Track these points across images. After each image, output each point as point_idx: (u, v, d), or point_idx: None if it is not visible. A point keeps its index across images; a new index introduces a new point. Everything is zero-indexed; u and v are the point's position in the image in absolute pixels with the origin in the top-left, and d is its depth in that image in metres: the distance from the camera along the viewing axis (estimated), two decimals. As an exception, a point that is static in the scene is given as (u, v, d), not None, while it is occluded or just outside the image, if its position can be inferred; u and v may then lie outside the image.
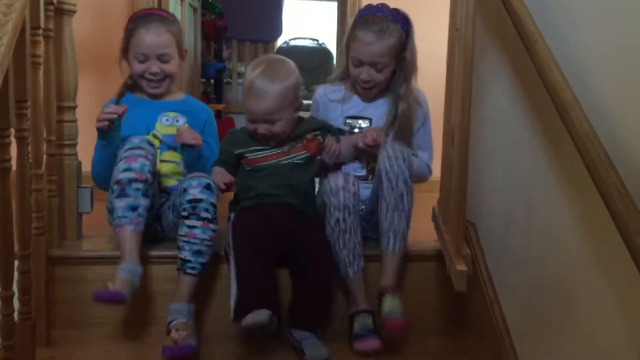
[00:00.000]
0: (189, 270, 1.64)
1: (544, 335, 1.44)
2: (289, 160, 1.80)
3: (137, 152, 1.65)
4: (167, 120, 1.90)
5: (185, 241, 1.64)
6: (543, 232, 1.46)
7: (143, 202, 1.64)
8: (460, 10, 1.49)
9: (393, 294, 1.66)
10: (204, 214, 1.63)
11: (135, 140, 1.68)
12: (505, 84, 1.67)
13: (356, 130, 1.94)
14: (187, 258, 1.63)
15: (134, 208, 1.63)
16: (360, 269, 1.71)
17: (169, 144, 1.88)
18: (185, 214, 1.64)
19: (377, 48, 1.82)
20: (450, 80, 1.63)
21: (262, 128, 1.76)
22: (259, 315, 1.48)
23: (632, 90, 1.14)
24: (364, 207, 1.86)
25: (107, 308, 1.66)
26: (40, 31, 1.59)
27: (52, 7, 1.66)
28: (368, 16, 1.86)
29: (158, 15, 1.90)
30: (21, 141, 1.49)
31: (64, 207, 1.80)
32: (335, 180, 1.69)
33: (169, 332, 1.59)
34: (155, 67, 1.84)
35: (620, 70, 1.18)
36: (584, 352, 1.27)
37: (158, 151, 1.84)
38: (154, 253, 1.75)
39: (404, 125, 1.89)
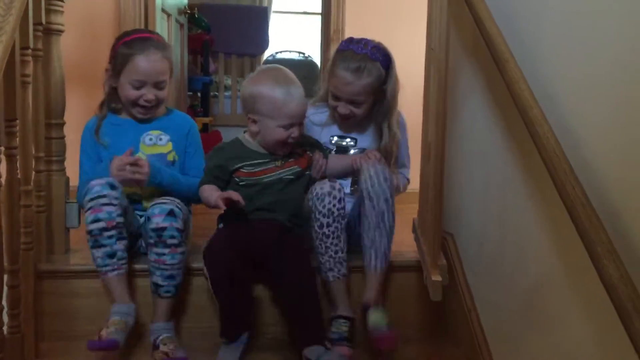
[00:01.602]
0: (163, 294, 1.69)
1: (518, 342, 1.50)
2: (281, 175, 1.82)
3: (101, 201, 1.64)
4: (151, 139, 1.88)
5: (155, 267, 1.67)
6: (515, 242, 1.52)
7: (119, 246, 1.67)
8: (434, 30, 1.55)
9: (377, 307, 1.70)
10: (170, 241, 1.66)
11: (96, 188, 1.65)
12: (480, 100, 1.73)
13: (344, 146, 1.99)
14: (160, 283, 1.68)
15: (111, 255, 1.65)
16: (342, 275, 1.74)
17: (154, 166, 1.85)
18: (152, 241, 1.67)
19: (355, 88, 1.87)
20: (427, 98, 1.69)
21: (296, 131, 1.77)
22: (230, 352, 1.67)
23: (596, 109, 1.20)
24: (349, 220, 1.91)
25: (96, 322, 1.70)
26: (29, 51, 1.64)
27: (40, 28, 1.70)
28: (348, 52, 1.88)
29: (154, 41, 1.86)
30: (10, 158, 1.54)
31: (52, 222, 1.83)
32: (322, 186, 1.73)
33: (156, 347, 1.63)
34: (150, 94, 1.82)
35: (585, 90, 1.25)
36: (553, 358, 1.33)
37: None
38: (138, 267, 1.79)
39: (388, 156, 1.93)
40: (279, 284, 1.74)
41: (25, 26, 1.59)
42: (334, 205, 1.71)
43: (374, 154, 1.80)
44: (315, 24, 5.92)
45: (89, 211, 1.64)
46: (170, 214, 1.66)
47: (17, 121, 1.55)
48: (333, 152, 1.97)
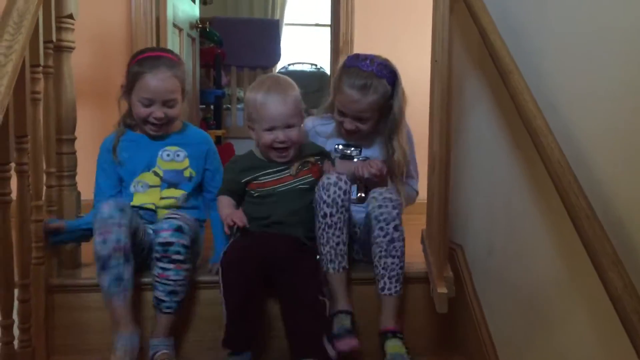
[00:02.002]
0: (165, 310, 1.69)
1: (527, 353, 1.49)
2: (296, 185, 1.82)
3: (110, 222, 1.63)
4: (168, 155, 1.90)
5: (158, 282, 1.68)
6: (522, 253, 1.51)
7: (126, 270, 1.65)
8: (438, 43, 1.56)
9: (394, 336, 1.70)
10: (175, 257, 1.67)
11: (105, 212, 1.64)
12: (486, 111, 1.73)
13: (348, 154, 1.99)
14: (162, 298, 1.68)
15: (119, 279, 1.64)
16: (342, 268, 1.74)
17: (169, 181, 1.89)
18: (157, 255, 1.68)
19: (361, 105, 1.86)
20: (432, 109, 1.69)
21: (282, 135, 1.76)
22: None
23: (601, 119, 1.20)
24: (357, 230, 1.92)
25: (105, 336, 1.72)
26: (40, 68, 1.67)
27: (51, 45, 1.74)
28: (354, 69, 1.87)
29: (165, 59, 1.85)
30: (21, 174, 1.56)
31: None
32: (328, 177, 1.73)
33: None
34: (160, 112, 1.82)
35: (590, 100, 1.24)
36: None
37: (158, 190, 1.87)
38: (146, 280, 1.79)
39: (398, 171, 1.94)
40: (288, 298, 1.72)
41: (35, 44, 1.62)
42: (339, 196, 1.71)
43: (375, 164, 1.81)
44: (327, 36, 5.97)
45: (97, 234, 1.64)
46: (178, 229, 1.67)
47: (28, 137, 1.58)
48: (338, 158, 1.97)
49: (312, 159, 1.87)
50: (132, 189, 1.87)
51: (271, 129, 1.77)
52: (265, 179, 1.82)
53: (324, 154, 1.93)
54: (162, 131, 1.89)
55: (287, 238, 1.75)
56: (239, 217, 1.72)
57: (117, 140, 1.90)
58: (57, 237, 1.73)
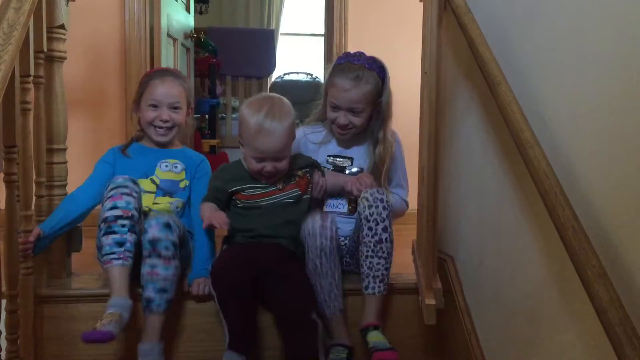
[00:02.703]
0: (154, 309, 1.68)
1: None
2: (282, 199, 1.83)
3: (122, 190, 1.70)
4: (167, 166, 1.97)
5: (148, 280, 1.68)
6: (512, 263, 1.52)
7: (129, 238, 1.68)
8: (427, 54, 1.57)
9: (375, 328, 1.71)
10: (164, 252, 1.67)
11: (120, 180, 1.73)
12: (476, 121, 1.74)
13: (340, 165, 2.00)
14: (151, 297, 1.67)
15: (120, 244, 1.66)
16: (338, 311, 1.75)
17: (164, 190, 1.94)
18: (146, 253, 1.68)
19: (354, 95, 1.88)
20: (422, 120, 1.70)
21: (269, 166, 1.77)
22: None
23: (588, 131, 1.21)
24: (346, 242, 1.92)
25: (95, 346, 1.70)
26: (31, 78, 1.66)
27: (42, 55, 1.73)
28: (345, 64, 1.92)
29: (172, 71, 2.07)
30: (10, 184, 1.56)
31: (53, 246, 1.83)
32: (313, 223, 1.73)
33: None
34: (165, 114, 1.93)
35: (578, 112, 1.25)
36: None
37: (153, 195, 1.91)
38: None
39: (380, 165, 1.95)
40: (277, 304, 1.73)
41: (26, 54, 1.61)
42: (326, 246, 1.71)
43: (364, 182, 1.81)
44: (322, 46, 5.99)
45: (108, 199, 1.68)
46: (167, 226, 1.69)
47: (17, 148, 1.57)
48: (329, 171, 1.98)
49: (299, 173, 1.87)
50: None
51: (261, 160, 1.77)
52: (252, 191, 1.82)
53: (314, 166, 1.93)
54: (168, 137, 1.97)
55: (273, 246, 1.76)
56: (220, 219, 1.70)
57: (125, 149, 1.98)
58: (39, 246, 1.71)
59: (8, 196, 1.55)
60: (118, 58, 2.96)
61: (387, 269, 1.75)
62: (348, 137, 1.98)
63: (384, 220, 1.73)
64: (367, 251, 1.74)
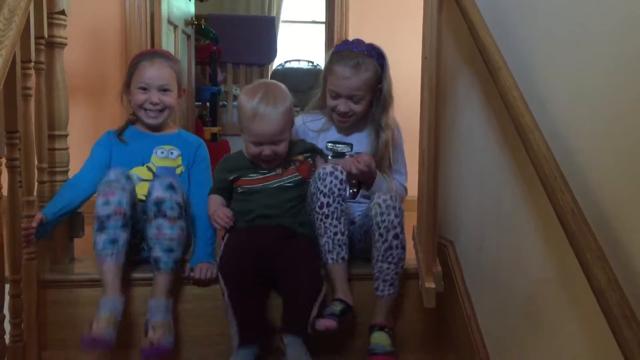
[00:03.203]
0: (162, 268, 1.69)
1: (517, 348, 1.50)
2: (281, 183, 1.85)
3: (114, 185, 1.68)
4: (162, 152, 1.96)
5: (155, 241, 1.69)
6: (512, 248, 1.52)
7: (122, 235, 1.67)
8: (427, 40, 1.56)
9: (382, 329, 1.73)
10: (169, 212, 1.68)
11: (112, 175, 1.71)
12: (477, 107, 1.73)
13: (340, 152, 2.00)
14: (158, 256, 1.69)
15: (114, 241, 1.66)
16: (341, 259, 1.75)
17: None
18: (151, 214, 1.69)
19: (354, 82, 1.89)
20: (423, 106, 1.70)
21: (268, 150, 1.80)
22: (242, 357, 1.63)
23: (589, 116, 1.21)
24: (350, 227, 1.92)
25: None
26: (32, 64, 1.67)
27: (43, 41, 1.74)
28: (345, 51, 1.92)
29: (161, 53, 2.02)
30: (12, 169, 1.57)
31: (56, 232, 1.86)
32: (324, 167, 1.76)
33: (146, 332, 1.65)
34: (155, 97, 1.91)
35: (579, 97, 1.25)
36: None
37: (149, 183, 1.86)
38: (137, 275, 1.80)
39: (384, 152, 1.96)
40: (282, 280, 1.73)
41: (26, 40, 1.62)
42: (335, 185, 1.73)
43: (363, 159, 1.83)
44: (323, 33, 5.97)
45: (101, 195, 1.67)
46: (170, 187, 1.70)
47: (19, 133, 1.58)
48: (330, 157, 1.98)
49: (300, 157, 1.89)
50: None
51: (259, 144, 1.80)
52: (252, 177, 1.85)
53: (315, 151, 1.94)
54: (159, 120, 1.95)
55: (274, 228, 1.78)
56: (222, 216, 1.77)
57: (121, 133, 1.97)
58: (41, 231, 1.72)
59: (10, 181, 1.56)
60: (119, 44, 2.96)
61: (397, 273, 1.76)
62: (348, 124, 1.98)
63: (396, 228, 1.73)
64: (378, 256, 1.75)
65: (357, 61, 1.88)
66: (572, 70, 1.27)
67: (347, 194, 1.96)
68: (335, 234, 1.74)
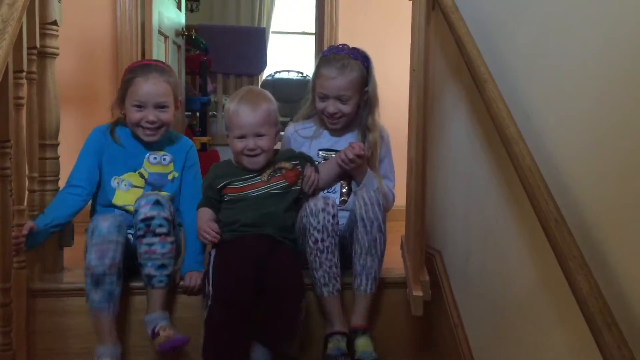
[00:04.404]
0: (156, 285, 1.71)
1: (502, 355, 1.52)
2: (267, 190, 1.86)
3: (108, 239, 1.65)
4: (155, 158, 1.94)
5: (146, 258, 1.70)
6: (498, 257, 1.55)
7: (118, 288, 1.68)
8: (415, 52, 1.60)
9: (364, 333, 1.74)
10: (158, 230, 1.69)
11: (104, 227, 1.66)
12: (464, 118, 1.77)
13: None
14: (151, 273, 1.70)
15: (110, 295, 1.66)
16: (336, 291, 1.77)
17: (153, 184, 1.92)
18: (141, 233, 1.70)
19: (340, 82, 1.94)
20: (411, 117, 1.73)
21: (251, 142, 1.81)
22: None
23: (569, 128, 1.24)
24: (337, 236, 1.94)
25: (86, 339, 1.74)
26: (24, 74, 1.68)
27: (35, 51, 1.75)
28: (331, 55, 1.99)
29: (156, 66, 1.92)
30: (3, 178, 1.57)
31: (46, 241, 1.85)
32: (316, 202, 1.77)
33: (156, 335, 1.67)
34: (152, 115, 1.85)
35: (562, 108, 1.28)
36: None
37: (141, 190, 1.88)
38: (134, 284, 1.81)
39: (373, 153, 1.98)
40: (270, 301, 1.73)
41: (19, 50, 1.63)
42: (328, 221, 1.74)
43: (358, 145, 1.86)
44: (313, 44, 6.02)
45: (94, 251, 1.64)
46: (157, 203, 1.71)
47: (11, 142, 1.59)
48: (320, 164, 2.01)
49: (287, 165, 1.91)
50: (114, 184, 1.88)
51: (242, 137, 1.82)
52: (238, 184, 1.86)
53: (304, 159, 1.95)
54: (156, 137, 1.90)
55: (259, 238, 1.79)
56: (208, 231, 1.76)
57: (112, 130, 1.92)
58: (32, 240, 1.71)
59: (1, 191, 1.56)
60: (109, 55, 2.97)
61: (379, 267, 1.79)
62: (339, 126, 2.02)
63: (379, 219, 1.76)
64: (361, 249, 1.77)
65: (343, 63, 1.95)
66: (556, 84, 1.30)
67: (337, 201, 1.98)
68: (331, 267, 1.77)
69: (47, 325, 1.79)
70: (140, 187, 1.91)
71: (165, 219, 1.71)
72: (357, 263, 1.78)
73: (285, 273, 1.73)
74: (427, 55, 1.56)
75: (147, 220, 1.69)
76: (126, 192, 1.88)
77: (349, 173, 1.93)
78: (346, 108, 1.97)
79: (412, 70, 1.65)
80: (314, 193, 1.95)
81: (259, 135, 1.82)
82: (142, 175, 1.92)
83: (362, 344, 1.73)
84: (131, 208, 1.83)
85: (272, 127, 1.85)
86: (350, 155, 1.85)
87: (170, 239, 1.72)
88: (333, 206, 1.77)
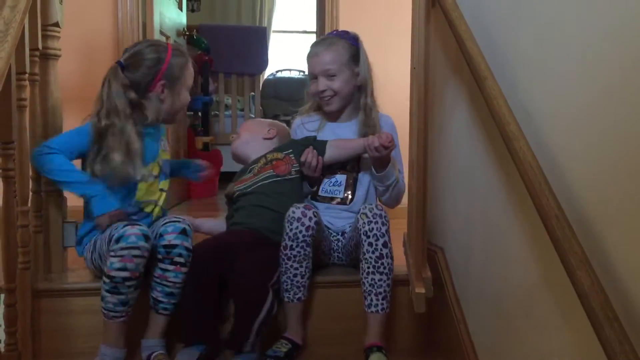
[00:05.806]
0: (161, 311, 1.72)
1: (504, 352, 1.52)
2: (256, 183, 1.95)
3: (134, 252, 1.62)
4: (164, 144, 1.95)
5: (158, 282, 1.70)
6: (500, 254, 1.55)
7: (135, 295, 1.68)
8: (415, 50, 1.60)
9: (379, 350, 1.71)
10: (177, 259, 1.69)
11: (132, 239, 1.62)
12: (465, 116, 1.77)
13: None
14: (159, 299, 1.71)
15: (125, 303, 1.66)
16: (297, 299, 1.78)
17: (165, 172, 1.91)
18: (159, 257, 1.70)
19: (326, 56, 1.99)
20: (411, 115, 1.73)
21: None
22: (187, 355, 1.67)
23: (569, 124, 1.24)
24: (340, 237, 1.97)
25: (91, 339, 1.75)
26: (26, 76, 1.69)
27: (37, 53, 1.76)
28: (319, 38, 2.07)
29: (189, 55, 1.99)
30: (7, 180, 1.58)
31: (49, 241, 1.87)
32: (295, 210, 1.75)
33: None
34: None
35: (563, 105, 1.29)
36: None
37: (157, 181, 1.87)
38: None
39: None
40: (234, 282, 1.72)
41: (21, 52, 1.64)
42: (300, 232, 1.73)
43: (386, 134, 1.86)
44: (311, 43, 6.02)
45: (118, 259, 1.62)
46: (183, 232, 1.70)
47: (14, 144, 1.60)
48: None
49: (278, 155, 1.98)
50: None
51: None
52: (234, 183, 2.01)
53: (301, 144, 2.01)
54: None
55: (247, 231, 1.85)
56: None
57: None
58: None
59: (5, 192, 1.57)
60: (111, 55, 2.98)
61: (388, 286, 1.74)
62: (334, 106, 2.04)
63: (384, 236, 1.73)
64: (369, 267, 1.73)
65: (330, 41, 2.02)
66: (556, 80, 1.30)
67: (341, 195, 1.99)
68: (295, 275, 1.77)
69: (52, 325, 1.80)
70: (157, 177, 1.88)
71: (187, 248, 1.70)
72: (366, 282, 1.74)
73: (251, 269, 1.71)
74: (427, 53, 1.56)
75: (169, 247, 1.69)
76: (148, 184, 1.84)
77: (370, 160, 1.94)
78: (334, 84, 1.99)
79: (413, 68, 1.66)
80: (317, 175, 1.99)
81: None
82: (159, 164, 1.89)
83: (377, 358, 1.69)
84: (149, 208, 1.85)
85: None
86: (376, 143, 1.84)
87: (184, 269, 1.70)
88: (310, 218, 1.74)
